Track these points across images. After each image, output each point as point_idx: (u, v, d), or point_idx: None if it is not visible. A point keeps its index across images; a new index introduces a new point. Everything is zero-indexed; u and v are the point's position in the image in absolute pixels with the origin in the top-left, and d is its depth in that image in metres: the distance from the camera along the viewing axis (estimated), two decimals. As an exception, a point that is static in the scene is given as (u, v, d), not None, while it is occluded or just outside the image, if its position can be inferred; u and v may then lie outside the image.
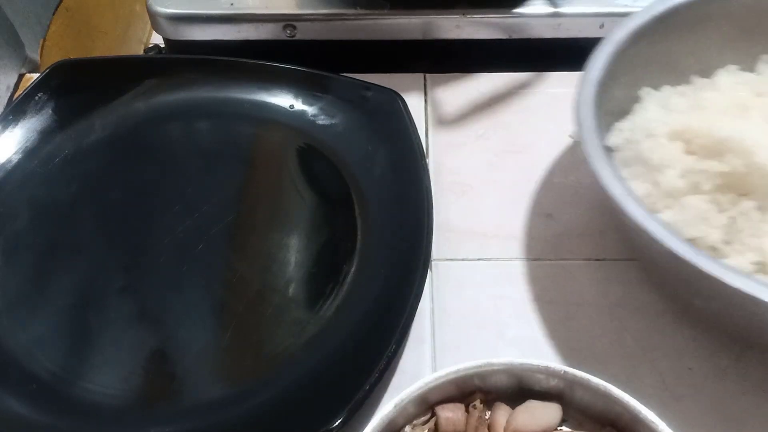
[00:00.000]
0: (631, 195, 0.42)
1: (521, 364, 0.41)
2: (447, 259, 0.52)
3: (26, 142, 0.58)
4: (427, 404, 0.41)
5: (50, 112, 0.60)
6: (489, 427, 0.41)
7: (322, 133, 0.58)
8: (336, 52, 0.65)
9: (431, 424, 0.41)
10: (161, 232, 0.53)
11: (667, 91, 0.53)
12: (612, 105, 0.51)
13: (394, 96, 0.58)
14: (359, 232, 0.52)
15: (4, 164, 0.57)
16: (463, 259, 0.52)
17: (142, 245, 0.53)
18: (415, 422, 0.41)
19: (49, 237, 0.53)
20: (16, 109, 0.59)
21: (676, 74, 0.54)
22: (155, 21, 0.65)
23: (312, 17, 0.63)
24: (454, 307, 0.50)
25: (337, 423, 0.41)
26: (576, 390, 0.40)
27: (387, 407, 0.39)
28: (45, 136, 0.59)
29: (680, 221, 0.44)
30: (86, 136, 0.59)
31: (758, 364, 0.46)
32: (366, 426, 0.38)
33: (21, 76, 0.69)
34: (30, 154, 0.58)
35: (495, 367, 0.41)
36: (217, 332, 0.48)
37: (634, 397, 0.39)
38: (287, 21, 0.63)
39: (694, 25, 0.53)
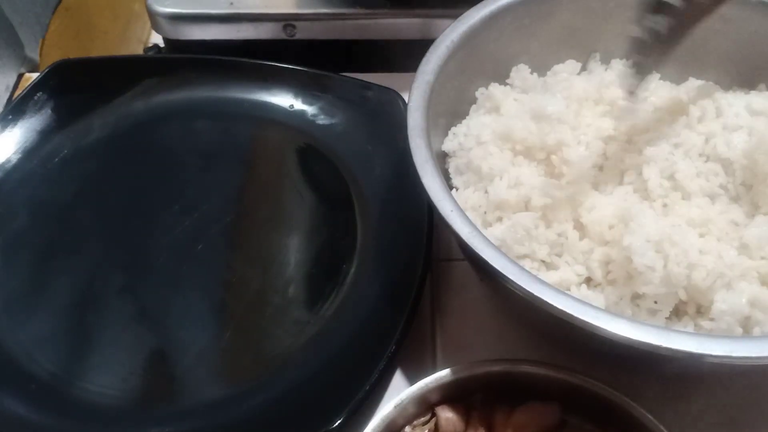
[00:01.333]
0: (456, 209, 0.40)
1: (521, 365, 0.41)
2: (448, 260, 0.52)
3: (25, 141, 0.58)
4: (427, 404, 0.41)
5: (49, 111, 0.60)
6: (489, 428, 0.41)
7: (322, 133, 0.58)
8: (336, 52, 0.65)
9: (431, 424, 0.41)
10: (161, 232, 0.53)
11: (499, 91, 0.52)
12: (448, 107, 0.50)
13: (394, 95, 0.58)
14: (359, 232, 0.52)
15: (3, 164, 0.57)
16: (464, 259, 0.51)
17: (142, 245, 0.53)
18: (415, 422, 0.41)
19: (49, 237, 0.53)
20: (16, 109, 0.59)
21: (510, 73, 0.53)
22: (154, 20, 0.65)
23: (312, 17, 0.63)
24: (455, 307, 0.50)
25: (337, 423, 0.41)
26: (576, 391, 0.40)
27: (387, 407, 0.39)
28: (44, 135, 0.59)
29: (510, 238, 0.44)
30: (85, 136, 0.59)
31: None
32: (366, 426, 0.38)
33: (20, 76, 0.69)
34: (29, 153, 0.58)
35: (495, 368, 0.41)
36: (216, 332, 0.48)
37: (633, 399, 0.39)
38: (287, 20, 0.63)
39: (527, 23, 0.52)
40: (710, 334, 0.39)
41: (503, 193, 0.45)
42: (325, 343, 0.46)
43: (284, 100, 0.60)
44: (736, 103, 0.49)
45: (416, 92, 0.47)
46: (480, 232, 0.39)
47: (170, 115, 0.60)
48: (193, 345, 0.47)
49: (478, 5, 0.51)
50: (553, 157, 0.47)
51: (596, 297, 0.42)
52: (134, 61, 0.66)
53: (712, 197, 0.46)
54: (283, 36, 0.64)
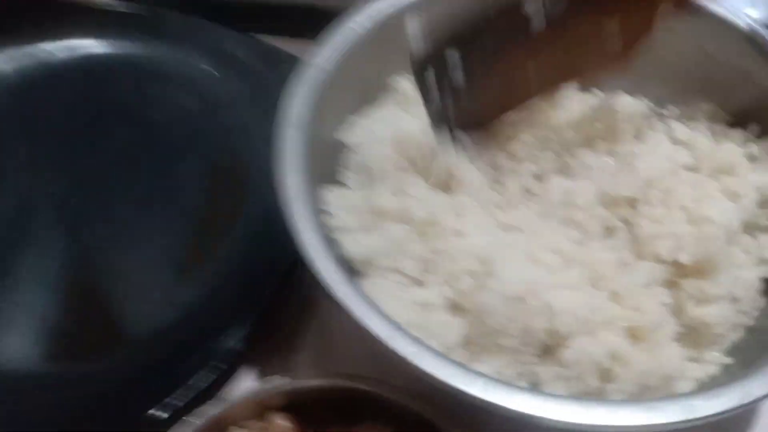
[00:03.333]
0: (311, 222, 0.39)
1: (360, 383, 0.39)
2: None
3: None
4: (263, 408, 0.40)
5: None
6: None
7: (223, 101, 0.54)
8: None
9: (265, 429, 0.40)
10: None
11: (408, 86, 0.48)
12: (353, 92, 0.47)
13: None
14: (236, 215, 0.49)
15: None
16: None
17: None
18: (246, 423, 0.39)
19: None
20: None
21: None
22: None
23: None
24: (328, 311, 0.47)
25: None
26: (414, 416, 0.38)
27: (215, 405, 0.38)
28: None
29: (380, 247, 0.41)
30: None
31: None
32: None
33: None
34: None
35: (336, 383, 0.39)
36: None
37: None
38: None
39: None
40: (544, 393, 0.37)
41: (384, 200, 0.42)
42: (168, 327, 0.44)
43: (192, 58, 0.56)
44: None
45: (302, 80, 0.43)
46: (326, 253, 0.37)
47: (75, 67, 0.56)
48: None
49: None
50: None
51: (456, 324, 0.40)
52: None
53: (606, 231, 0.43)
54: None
